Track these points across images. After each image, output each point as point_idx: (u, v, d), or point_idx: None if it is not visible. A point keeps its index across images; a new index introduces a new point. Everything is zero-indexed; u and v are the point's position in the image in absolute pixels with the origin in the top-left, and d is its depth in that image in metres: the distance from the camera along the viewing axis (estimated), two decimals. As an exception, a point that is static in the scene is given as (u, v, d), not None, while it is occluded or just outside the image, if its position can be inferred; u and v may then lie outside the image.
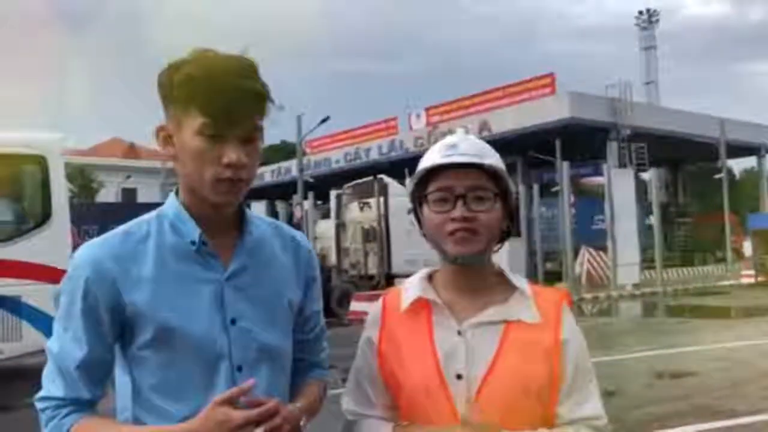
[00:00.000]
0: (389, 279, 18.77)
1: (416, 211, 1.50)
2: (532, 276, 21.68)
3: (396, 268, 18.65)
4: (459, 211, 1.39)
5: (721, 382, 7.84)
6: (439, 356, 1.39)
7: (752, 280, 23.71)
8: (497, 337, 1.40)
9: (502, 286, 1.47)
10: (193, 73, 1.28)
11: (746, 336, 11.31)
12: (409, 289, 1.49)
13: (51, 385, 1.32)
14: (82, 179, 34.47)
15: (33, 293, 8.72)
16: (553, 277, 23.94)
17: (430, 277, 1.52)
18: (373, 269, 19.13)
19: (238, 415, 1.23)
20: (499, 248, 1.50)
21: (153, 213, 1.41)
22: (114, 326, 1.33)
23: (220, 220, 1.39)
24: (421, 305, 1.46)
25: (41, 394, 1.32)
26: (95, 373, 1.33)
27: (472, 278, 1.46)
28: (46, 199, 9.17)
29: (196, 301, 1.34)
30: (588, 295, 20.18)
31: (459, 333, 1.40)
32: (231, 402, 1.25)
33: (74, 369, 1.30)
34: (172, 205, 1.40)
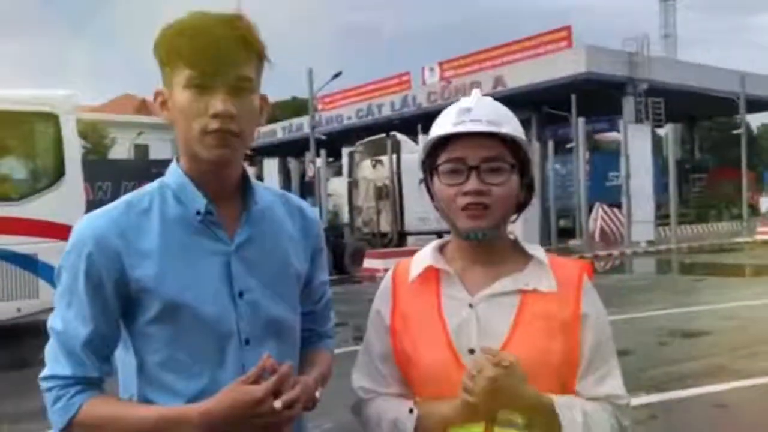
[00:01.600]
0: (402, 236, 18.83)
1: (427, 181, 1.42)
2: (545, 233, 21.63)
3: (408, 225, 18.67)
4: (472, 183, 1.30)
5: (736, 341, 7.80)
6: (449, 330, 1.33)
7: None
8: (513, 310, 1.33)
9: (517, 255, 1.40)
10: (179, 29, 1.25)
11: (761, 294, 11.24)
12: (419, 260, 1.43)
13: (56, 364, 1.27)
14: (94, 136, 34.45)
15: (48, 251, 8.77)
16: (566, 234, 23.88)
17: (441, 249, 1.45)
18: (385, 227, 19.13)
19: (256, 388, 1.20)
20: (515, 219, 1.41)
21: (155, 183, 1.35)
22: (119, 302, 1.28)
23: (224, 189, 1.34)
24: (430, 275, 1.39)
25: (45, 373, 1.27)
26: (102, 350, 1.29)
27: (485, 249, 1.38)
28: (59, 156, 9.17)
29: (203, 275, 1.29)
30: (602, 252, 20.12)
31: (470, 306, 1.34)
32: (252, 381, 1.22)
33: (80, 347, 1.26)
34: (174, 174, 1.34)
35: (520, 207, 1.40)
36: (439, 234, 18.45)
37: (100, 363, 1.28)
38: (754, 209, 31.28)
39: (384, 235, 19.03)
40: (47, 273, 8.83)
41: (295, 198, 1.51)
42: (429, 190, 1.43)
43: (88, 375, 1.26)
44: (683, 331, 8.70)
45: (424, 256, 1.43)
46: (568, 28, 29.01)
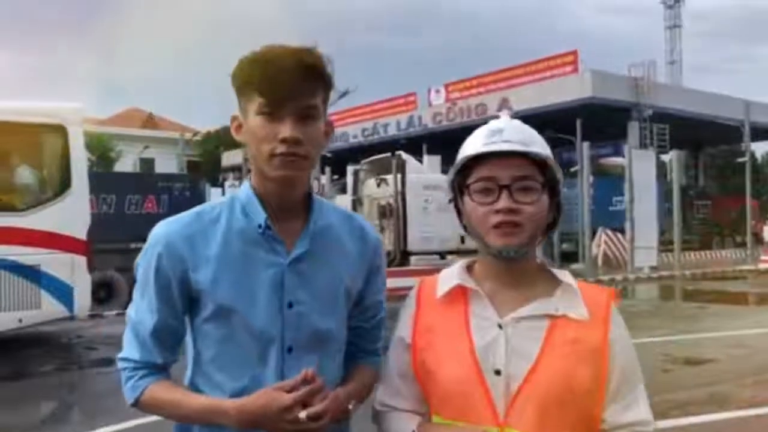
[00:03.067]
0: (404, 255, 18.79)
1: (456, 200, 1.44)
2: (548, 256, 21.57)
3: (412, 245, 18.64)
4: (504, 202, 1.32)
5: (740, 370, 7.75)
6: (476, 349, 1.33)
7: (771, 266, 23.39)
8: (542, 334, 1.33)
9: (546, 279, 1.41)
10: (252, 59, 1.37)
11: (765, 322, 11.18)
12: (447, 278, 1.44)
13: (129, 348, 1.45)
14: (100, 149, 34.58)
15: (52, 262, 8.80)
16: (569, 258, 23.82)
17: (468, 268, 1.46)
18: (389, 245, 19.06)
19: (287, 396, 1.31)
20: (542, 241, 1.42)
21: (228, 196, 1.50)
22: (183, 299, 1.43)
23: (289, 205, 1.45)
24: (458, 294, 1.40)
25: (122, 354, 1.46)
26: (167, 340, 1.45)
27: (514, 270, 1.39)
28: (66, 168, 9.22)
29: (256, 283, 1.41)
30: (605, 277, 20.04)
31: (500, 326, 1.34)
32: (289, 389, 1.33)
33: (148, 335, 1.43)
34: (244, 189, 1.47)
35: (549, 227, 1.43)
36: (441, 254, 18.47)
37: (165, 351, 1.45)
38: (757, 237, 31.17)
39: (387, 253, 19.00)
40: (50, 284, 8.84)
41: (359, 218, 1.61)
42: (458, 209, 1.45)
43: (154, 361, 1.44)
44: (686, 359, 8.64)
45: (452, 275, 1.44)
46: (574, 53, 29.16)
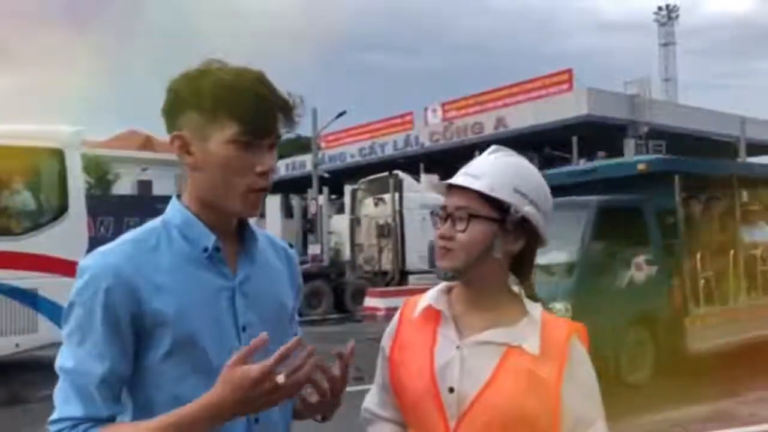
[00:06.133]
0: (403, 275, 18.78)
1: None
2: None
3: (410, 264, 18.62)
4: (442, 229, 1.44)
5: (743, 385, 7.67)
6: (435, 366, 1.42)
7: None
8: (495, 359, 1.39)
9: (515, 309, 1.46)
10: (224, 81, 1.28)
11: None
12: (424, 299, 1.52)
13: (66, 406, 1.23)
14: (98, 171, 34.64)
15: (49, 286, 8.76)
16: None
17: (449, 290, 1.53)
18: (387, 265, 19.08)
19: (255, 368, 1.18)
20: (509, 277, 1.48)
21: (157, 220, 1.38)
22: (134, 338, 1.27)
23: (227, 228, 1.39)
24: (432, 315, 1.49)
25: (55, 416, 1.24)
26: (115, 388, 1.27)
27: (479, 295, 1.46)
28: (63, 192, 9.23)
29: (213, 310, 1.33)
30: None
31: (457, 347, 1.42)
32: (243, 362, 1.20)
33: (94, 386, 1.23)
34: (178, 211, 1.37)
35: (520, 261, 1.47)
36: (440, 273, 18.41)
37: (113, 402, 1.26)
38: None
39: (385, 273, 18.98)
40: (47, 308, 8.80)
41: (277, 238, 1.59)
42: None
43: (99, 415, 1.23)
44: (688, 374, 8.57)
45: (429, 296, 1.51)
46: (569, 71, 29.37)
